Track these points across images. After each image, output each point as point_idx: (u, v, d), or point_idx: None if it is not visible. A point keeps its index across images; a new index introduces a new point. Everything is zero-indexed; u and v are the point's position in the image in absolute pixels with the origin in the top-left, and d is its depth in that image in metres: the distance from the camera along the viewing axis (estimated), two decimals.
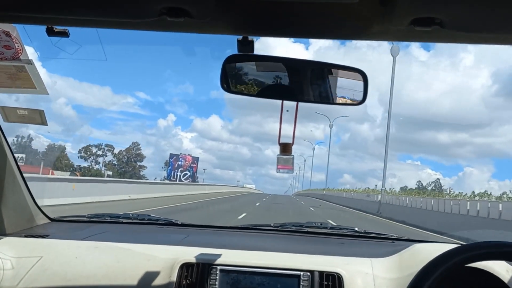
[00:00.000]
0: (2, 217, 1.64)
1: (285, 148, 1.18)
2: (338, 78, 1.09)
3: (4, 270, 1.43)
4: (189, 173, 64.88)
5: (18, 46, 1.30)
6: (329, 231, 2.11)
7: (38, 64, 1.36)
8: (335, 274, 1.40)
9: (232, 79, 1.08)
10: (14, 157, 1.67)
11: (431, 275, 1.03)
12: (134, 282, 1.42)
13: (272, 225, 2.16)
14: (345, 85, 1.09)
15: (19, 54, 1.32)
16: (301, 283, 1.38)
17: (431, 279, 1.03)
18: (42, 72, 1.38)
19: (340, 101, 1.09)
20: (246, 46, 1.04)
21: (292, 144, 1.18)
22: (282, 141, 1.17)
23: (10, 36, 1.27)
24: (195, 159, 68.83)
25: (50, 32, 1.10)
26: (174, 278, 1.40)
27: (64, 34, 1.12)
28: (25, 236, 1.63)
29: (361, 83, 1.09)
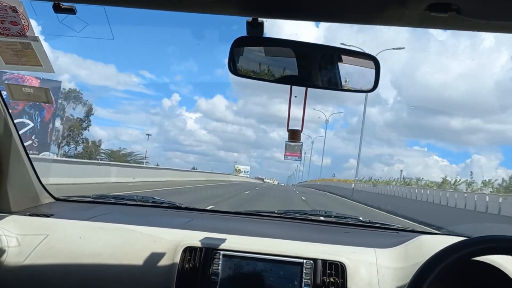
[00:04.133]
0: (7, 195, 1.64)
1: (294, 135, 1.16)
2: (349, 64, 1.07)
3: (9, 247, 1.44)
4: (31, 124, 27.60)
5: (24, 22, 1.28)
6: (333, 219, 2.10)
7: (43, 40, 1.34)
8: (339, 263, 1.39)
9: (240, 62, 1.06)
10: (19, 135, 1.66)
11: (436, 267, 1.02)
12: (140, 262, 1.43)
13: (276, 211, 2.15)
14: (356, 71, 1.06)
15: (26, 31, 1.30)
16: (304, 270, 1.38)
17: (435, 271, 1.02)
18: (46, 47, 1.36)
19: (350, 88, 1.07)
20: (255, 28, 1.01)
21: (301, 131, 1.16)
22: (290, 127, 1.15)
23: (17, 12, 1.25)
24: (54, 91, 27.41)
25: (57, 9, 1.08)
26: (177, 261, 1.40)
27: (71, 11, 1.10)
28: (30, 215, 1.64)
29: (373, 69, 1.06)
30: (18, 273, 1.42)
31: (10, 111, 1.59)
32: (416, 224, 13.22)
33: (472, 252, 1.04)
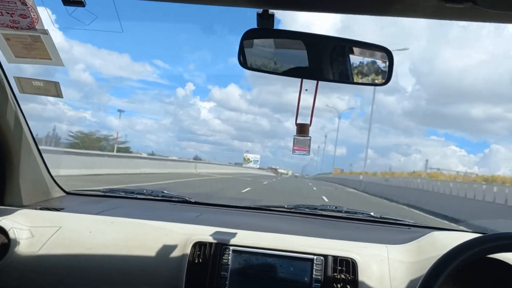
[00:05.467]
0: (19, 189, 1.66)
1: (302, 129, 1.14)
2: (362, 56, 1.04)
3: (22, 239, 1.45)
4: None
5: (34, 15, 1.27)
6: (344, 215, 2.07)
7: (56, 32, 1.34)
8: (349, 259, 1.37)
9: (250, 54, 1.04)
10: (30, 129, 1.67)
11: (450, 264, 1.00)
12: (150, 255, 1.43)
13: (285, 206, 2.13)
14: (369, 64, 1.04)
15: (35, 24, 1.29)
16: (314, 267, 1.36)
17: (450, 268, 0.99)
18: (61, 37, 1.36)
19: (362, 81, 1.04)
20: (266, 20, 0.99)
21: (310, 125, 1.14)
22: (299, 121, 1.13)
23: (26, 5, 1.25)
24: None
25: (66, 1, 1.08)
26: (187, 255, 1.40)
27: (80, 3, 1.09)
28: (41, 209, 1.65)
29: (386, 61, 1.03)
30: (31, 264, 1.43)
31: (20, 105, 1.60)
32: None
33: (487, 249, 1.01)
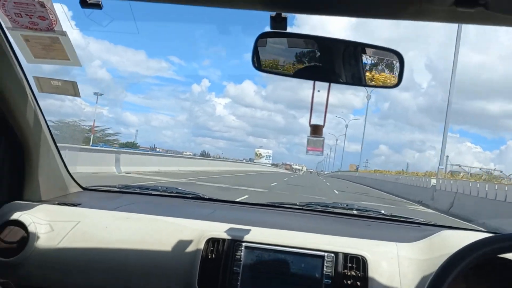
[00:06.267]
0: (38, 184, 1.70)
1: (316, 130, 1.16)
2: (373, 59, 1.06)
3: (41, 233, 1.50)
4: None
5: (52, 17, 1.31)
6: (355, 212, 2.09)
7: (72, 29, 1.37)
8: (360, 256, 1.39)
9: (263, 57, 1.06)
10: (48, 126, 1.71)
11: (460, 262, 1.01)
12: (164, 251, 1.46)
13: (298, 203, 2.16)
14: (380, 66, 1.05)
15: (54, 25, 1.33)
16: (325, 264, 1.38)
17: (461, 266, 1.00)
18: (77, 34, 1.39)
19: (374, 83, 1.06)
20: (279, 23, 1.01)
21: (323, 126, 1.16)
22: (313, 122, 1.15)
23: (45, 7, 1.28)
24: None
25: (84, 4, 1.11)
26: (201, 251, 1.43)
27: (97, 6, 1.12)
28: (59, 204, 1.69)
29: (397, 64, 1.05)
30: (50, 257, 1.48)
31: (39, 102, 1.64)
32: None
33: (499, 248, 1.02)
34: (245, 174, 30.19)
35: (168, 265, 1.45)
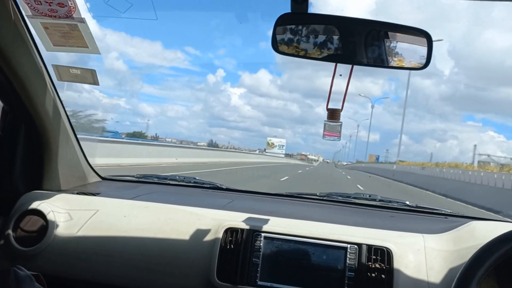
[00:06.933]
0: (57, 174, 1.71)
1: (333, 115, 1.12)
2: (399, 39, 1.01)
3: (60, 221, 1.51)
4: None
5: (71, 4, 1.30)
6: (378, 203, 2.04)
7: (90, 20, 1.37)
8: (384, 248, 1.35)
9: (284, 39, 1.03)
10: (67, 116, 1.72)
11: (494, 252, 0.96)
12: (183, 240, 1.46)
13: (318, 194, 2.12)
14: (406, 47, 1.01)
15: (72, 12, 1.32)
16: (348, 255, 1.35)
17: (494, 257, 0.95)
18: (94, 26, 1.38)
19: (399, 65, 1.01)
20: (300, 4, 0.98)
21: (341, 110, 1.13)
22: (330, 106, 1.12)
23: None
24: None
25: None
26: (219, 241, 1.42)
27: None
28: (78, 193, 1.70)
29: (425, 45, 1.00)
30: (69, 245, 1.49)
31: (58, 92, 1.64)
32: None
33: None
34: (249, 167, 25.50)
35: (187, 254, 1.44)
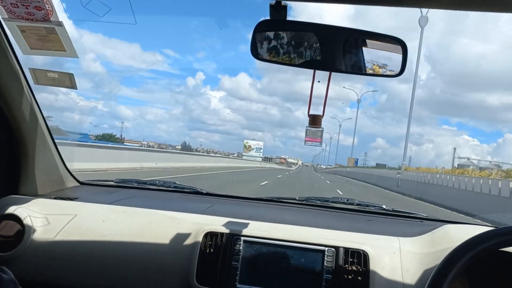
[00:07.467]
0: (34, 178, 1.68)
1: (314, 120, 1.14)
2: (375, 47, 1.03)
3: (37, 226, 1.48)
4: None
5: (48, 7, 1.29)
6: (356, 207, 2.07)
7: (68, 21, 1.35)
8: (361, 251, 1.37)
9: (262, 45, 1.04)
10: (45, 120, 1.69)
11: (464, 254, 0.99)
12: (162, 244, 1.45)
13: (297, 198, 2.14)
14: (382, 55, 1.03)
15: (50, 16, 1.31)
16: (326, 258, 1.37)
17: (464, 259, 0.99)
18: (71, 27, 1.36)
19: (376, 72, 1.03)
20: (279, 11, 0.99)
21: (322, 116, 1.14)
22: (311, 112, 1.13)
23: None
24: None
25: None
26: (199, 245, 1.42)
27: None
28: (55, 198, 1.68)
29: (400, 52, 1.02)
30: (46, 250, 1.46)
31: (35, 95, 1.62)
32: None
33: (503, 242, 1.00)
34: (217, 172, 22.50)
35: (166, 259, 1.43)
